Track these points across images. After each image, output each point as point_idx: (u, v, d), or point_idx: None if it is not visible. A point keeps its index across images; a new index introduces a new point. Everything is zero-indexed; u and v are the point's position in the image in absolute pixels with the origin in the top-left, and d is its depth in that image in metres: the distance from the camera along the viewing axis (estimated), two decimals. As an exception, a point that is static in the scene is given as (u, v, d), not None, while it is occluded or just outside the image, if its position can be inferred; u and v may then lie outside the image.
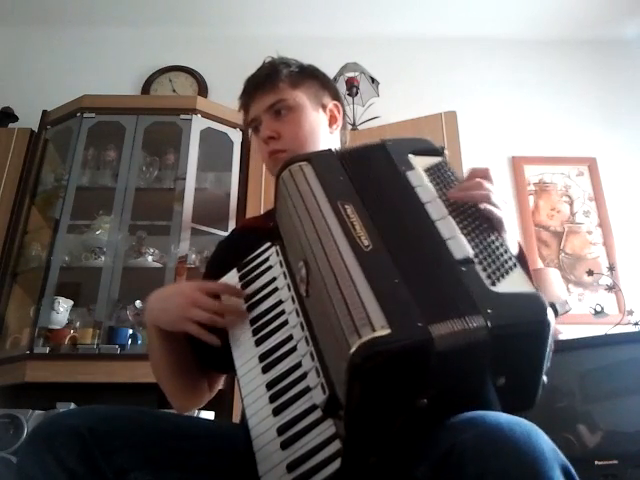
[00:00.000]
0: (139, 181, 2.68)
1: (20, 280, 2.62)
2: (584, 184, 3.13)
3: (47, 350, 2.31)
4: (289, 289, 0.89)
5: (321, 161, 0.89)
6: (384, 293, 0.68)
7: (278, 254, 0.95)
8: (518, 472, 0.60)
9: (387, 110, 2.94)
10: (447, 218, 0.77)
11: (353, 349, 0.63)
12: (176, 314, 0.94)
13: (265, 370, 0.85)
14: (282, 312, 0.88)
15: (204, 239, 2.65)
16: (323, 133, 1.16)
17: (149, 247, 2.59)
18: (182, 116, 2.74)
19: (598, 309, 2.44)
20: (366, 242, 0.74)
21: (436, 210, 0.79)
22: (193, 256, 2.59)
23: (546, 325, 0.67)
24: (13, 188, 2.74)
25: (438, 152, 0.90)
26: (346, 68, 3.05)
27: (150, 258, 2.57)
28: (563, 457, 0.64)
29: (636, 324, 2.37)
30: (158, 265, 2.55)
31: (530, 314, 0.68)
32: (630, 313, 2.57)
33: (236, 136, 2.84)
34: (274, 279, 0.93)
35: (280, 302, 0.90)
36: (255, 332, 0.90)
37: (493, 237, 0.76)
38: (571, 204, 3.10)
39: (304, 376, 0.79)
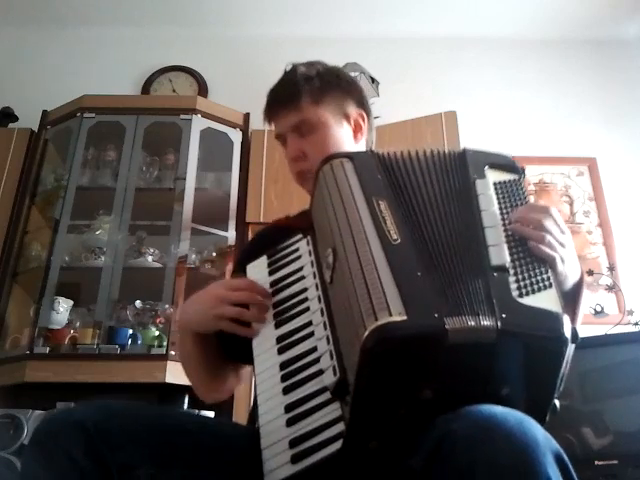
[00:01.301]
0: (139, 181, 2.68)
1: (20, 280, 2.62)
2: (584, 184, 3.13)
3: (47, 350, 2.31)
4: (314, 277, 0.92)
5: (361, 159, 0.93)
6: (405, 283, 0.71)
7: (308, 244, 0.98)
8: (510, 459, 0.60)
9: (387, 110, 2.92)
10: (498, 227, 0.81)
11: (368, 330, 0.66)
12: (206, 313, 0.96)
13: (281, 351, 0.87)
14: (305, 299, 0.91)
15: (204, 239, 2.66)
16: (348, 146, 1.16)
17: (149, 247, 2.59)
18: (182, 116, 2.74)
19: (598, 309, 2.44)
20: (395, 236, 0.78)
21: (490, 218, 0.82)
22: (193, 256, 2.59)
23: (559, 343, 0.68)
24: (13, 188, 2.74)
25: (516, 170, 0.92)
26: (346, 68, 3.04)
27: (150, 258, 2.57)
28: (556, 445, 0.64)
29: (636, 324, 2.37)
30: (158, 265, 2.55)
31: (544, 328, 0.69)
32: (630, 313, 2.57)
33: (236, 136, 2.84)
34: (301, 267, 0.96)
35: (304, 289, 0.92)
36: (276, 316, 0.92)
37: (536, 257, 0.78)
38: (571, 204, 3.10)
39: (318, 359, 0.81)
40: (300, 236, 1.01)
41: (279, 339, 0.89)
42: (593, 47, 3.43)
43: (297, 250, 1.00)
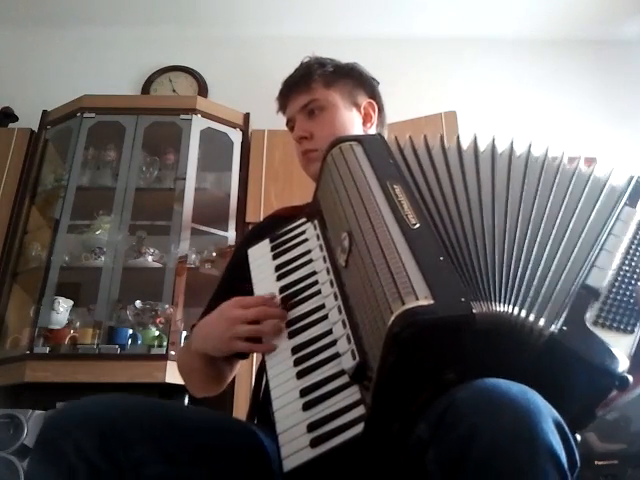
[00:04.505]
0: (139, 181, 2.68)
1: (20, 280, 2.62)
2: (584, 184, 3.13)
3: (47, 350, 2.32)
4: (324, 261, 0.89)
5: (371, 143, 0.92)
6: (428, 267, 0.70)
7: (315, 228, 0.96)
8: (511, 425, 0.60)
9: (387, 110, 2.92)
10: (615, 255, 0.80)
11: (395, 315, 0.64)
12: (221, 337, 0.92)
13: (292, 335, 0.84)
14: (315, 282, 0.88)
15: (204, 239, 2.66)
16: (357, 132, 1.16)
17: (149, 247, 2.59)
18: (182, 116, 2.75)
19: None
20: (413, 221, 0.76)
21: (613, 244, 0.82)
22: (193, 256, 2.59)
23: (603, 377, 0.66)
24: (13, 188, 2.74)
25: None
26: (346, 68, 3.05)
27: (150, 258, 2.57)
28: (557, 414, 0.64)
29: (636, 324, 2.36)
30: (158, 265, 2.55)
31: (595, 357, 0.67)
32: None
33: (236, 136, 2.84)
34: (309, 251, 0.94)
35: (314, 273, 0.90)
36: (284, 300, 0.89)
37: (637, 303, 0.76)
38: (571, 204, 3.09)
39: (334, 343, 0.79)
40: (305, 219, 0.99)
41: (289, 323, 0.86)
42: (593, 47, 3.43)
43: (303, 233, 0.97)
